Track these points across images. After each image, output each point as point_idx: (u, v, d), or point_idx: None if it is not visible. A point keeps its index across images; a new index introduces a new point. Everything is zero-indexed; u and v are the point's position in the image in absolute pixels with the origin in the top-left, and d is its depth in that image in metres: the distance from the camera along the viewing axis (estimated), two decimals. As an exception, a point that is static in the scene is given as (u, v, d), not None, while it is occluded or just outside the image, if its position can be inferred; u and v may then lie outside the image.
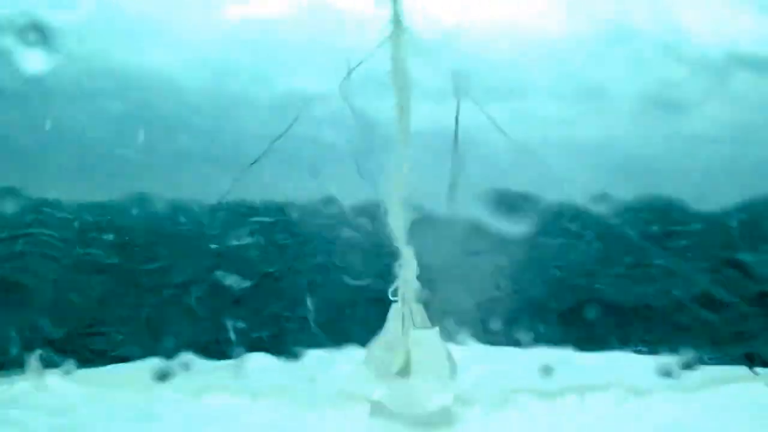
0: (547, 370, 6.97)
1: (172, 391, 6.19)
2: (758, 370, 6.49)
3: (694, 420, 5.33)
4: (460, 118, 6.98)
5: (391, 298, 6.94)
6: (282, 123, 7.08)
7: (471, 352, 7.94)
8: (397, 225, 6.65)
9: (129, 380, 6.53)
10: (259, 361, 7.72)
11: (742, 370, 6.59)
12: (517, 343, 8.60)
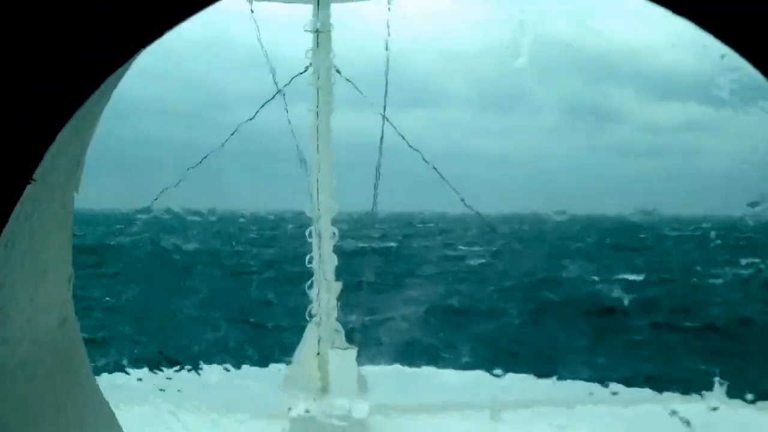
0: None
1: None
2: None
3: None
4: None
5: (308, 317, 7.81)
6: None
7: (382, 371, 8.97)
8: (322, 245, 7.51)
9: None
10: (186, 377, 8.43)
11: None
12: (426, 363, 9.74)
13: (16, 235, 1.41)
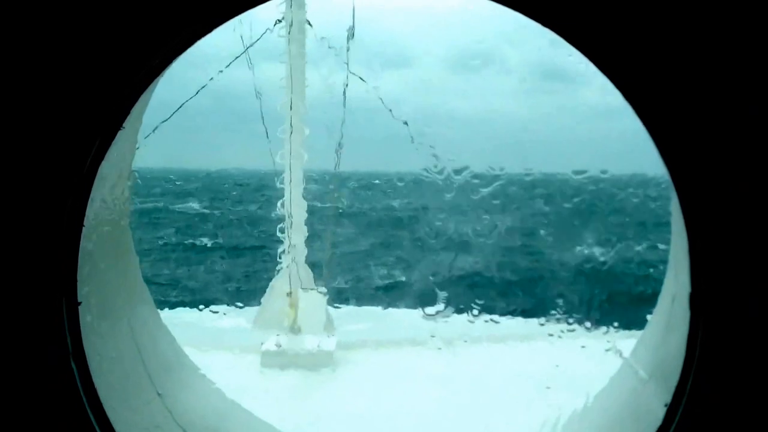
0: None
1: None
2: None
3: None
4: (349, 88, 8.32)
5: (279, 260, 8.32)
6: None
7: (349, 310, 9.58)
8: (292, 190, 7.97)
9: None
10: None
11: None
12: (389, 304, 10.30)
13: (111, 157, 2.07)
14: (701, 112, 1.85)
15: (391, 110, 7.88)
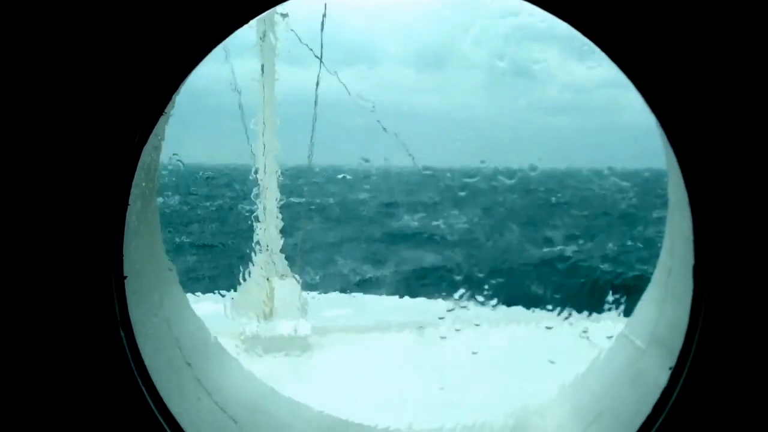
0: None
1: None
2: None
3: None
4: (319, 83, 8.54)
5: (256, 247, 8.52)
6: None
7: (322, 297, 9.81)
8: (266, 181, 8.16)
9: None
10: None
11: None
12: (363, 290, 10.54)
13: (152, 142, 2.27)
14: (712, 107, 1.95)
15: (360, 95, 8.09)
